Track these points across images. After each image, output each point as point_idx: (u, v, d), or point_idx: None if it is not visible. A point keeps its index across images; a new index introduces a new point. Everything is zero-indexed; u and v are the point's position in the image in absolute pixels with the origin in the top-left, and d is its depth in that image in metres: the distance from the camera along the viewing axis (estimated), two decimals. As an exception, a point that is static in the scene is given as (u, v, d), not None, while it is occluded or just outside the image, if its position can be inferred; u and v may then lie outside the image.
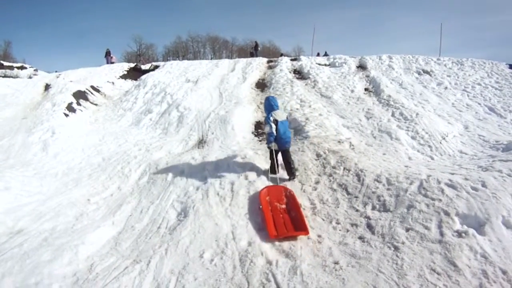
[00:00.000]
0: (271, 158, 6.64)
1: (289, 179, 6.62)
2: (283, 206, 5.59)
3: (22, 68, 24.00)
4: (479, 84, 13.80)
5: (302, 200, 5.90)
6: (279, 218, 5.29)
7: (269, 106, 6.62)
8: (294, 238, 4.74)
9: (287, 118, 6.85)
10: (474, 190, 5.10)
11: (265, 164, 7.16)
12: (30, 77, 21.02)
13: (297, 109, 11.14)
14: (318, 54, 27.48)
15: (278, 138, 6.38)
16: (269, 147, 6.57)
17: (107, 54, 26.86)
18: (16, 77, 20.69)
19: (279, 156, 6.77)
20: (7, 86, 17.29)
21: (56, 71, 24.51)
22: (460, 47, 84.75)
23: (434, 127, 9.26)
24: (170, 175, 7.22)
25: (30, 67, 24.70)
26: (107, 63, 25.40)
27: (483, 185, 5.22)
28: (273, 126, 6.32)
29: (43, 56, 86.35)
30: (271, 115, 6.40)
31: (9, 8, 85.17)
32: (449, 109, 11.32)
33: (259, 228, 5.04)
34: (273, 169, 6.68)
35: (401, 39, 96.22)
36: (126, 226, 5.51)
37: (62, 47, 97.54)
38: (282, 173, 6.83)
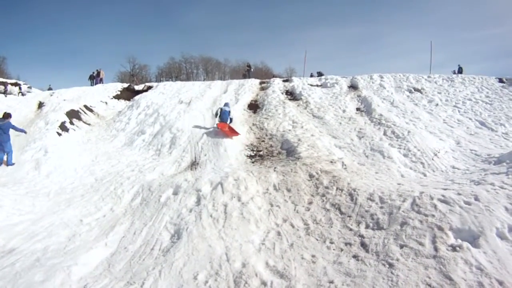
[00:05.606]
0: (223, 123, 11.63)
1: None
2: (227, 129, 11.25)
3: (16, 84, 23.78)
4: (469, 99, 14.11)
5: (295, 221, 5.90)
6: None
7: (222, 107, 12.10)
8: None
9: (228, 111, 11.80)
10: (467, 204, 5.17)
11: (257, 186, 7.23)
12: (23, 94, 20.98)
13: (289, 130, 11.26)
14: (311, 75, 27.42)
15: (224, 118, 11.56)
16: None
17: (96, 75, 26.59)
18: (10, 93, 20.61)
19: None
20: (1, 103, 17.20)
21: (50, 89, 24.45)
22: (451, 61, 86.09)
23: (426, 144, 9.37)
24: (163, 196, 7.21)
25: (24, 84, 24.55)
26: (96, 83, 25.26)
27: (476, 198, 5.30)
28: (218, 113, 11.83)
29: (36, 72, 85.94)
30: (219, 109, 11.92)
31: (4, 24, 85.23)
32: (440, 126, 11.50)
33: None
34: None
35: (392, 57, 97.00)
36: (119, 248, 5.46)
37: (56, 64, 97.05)
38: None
